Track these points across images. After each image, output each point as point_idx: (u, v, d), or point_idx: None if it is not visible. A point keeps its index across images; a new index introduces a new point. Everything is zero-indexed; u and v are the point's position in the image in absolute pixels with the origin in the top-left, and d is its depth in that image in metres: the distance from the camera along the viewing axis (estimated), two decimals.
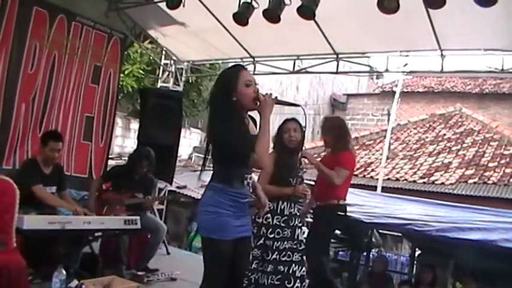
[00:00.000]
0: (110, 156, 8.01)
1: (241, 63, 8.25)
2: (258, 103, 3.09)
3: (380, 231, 9.13)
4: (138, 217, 5.20)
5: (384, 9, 5.13)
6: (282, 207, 4.40)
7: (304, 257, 4.34)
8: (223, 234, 3.08)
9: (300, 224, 4.43)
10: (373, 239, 8.85)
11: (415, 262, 8.49)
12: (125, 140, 13.23)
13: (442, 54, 6.54)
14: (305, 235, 4.46)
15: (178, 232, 11.17)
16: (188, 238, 11.30)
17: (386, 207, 7.47)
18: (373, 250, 9.13)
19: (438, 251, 7.32)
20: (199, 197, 10.40)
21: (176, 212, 11.06)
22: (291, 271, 4.23)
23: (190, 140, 15.33)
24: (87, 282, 4.42)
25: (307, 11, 5.42)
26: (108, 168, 7.26)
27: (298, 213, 4.45)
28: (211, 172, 3.23)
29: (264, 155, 3.06)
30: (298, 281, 4.22)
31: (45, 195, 4.92)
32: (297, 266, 4.25)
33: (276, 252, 4.29)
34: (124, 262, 5.63)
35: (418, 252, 8.50)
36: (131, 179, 5.94)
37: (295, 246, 4.31)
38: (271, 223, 4.36)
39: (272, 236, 4.34)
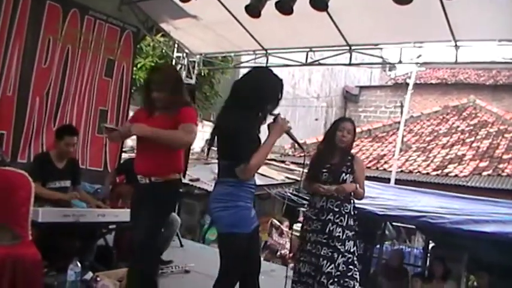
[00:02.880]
0: (123, 150, 8.05)
1: (253, 55, 8.25)
2: (274, 123, 3.22)
3: (393, 223, 9.10)
4: None
5: (398, 0, 5.08)
6: (315, 201, 4.44)
7: (335, 254, 4.22)
8: (244, 228, 3.16)
9: (337, 220, 4.31)
10: (387, 232, 8.83)
11: (428, 255, 8.47)
12: None
13: (456, 45, 6.46)
14: (339, 233, 4.29)
15: (191, 225, 11.20)
16: (201, 231, 11.34)
17: (400, 199, 7.46)
18: (387, 243, 9.11)
19: (452, 243, 7.28)
20: (211, 189, 10.52)
21: (189, 204, 11.07)
22: (319, 264, 4.24)
23: (203, 133, 15.29)
24: (101, 275, 4.46)
25: (320, 3, 5.38)
26: (121, 161, 7.30)
27: (333, 208, 4.35)
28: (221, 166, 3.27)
29: (254, 167, 3.11)
30: (324, 276, 4.18)
31: (43, 192, 4.65)
32: (324, 261, 4.22)
33: (309, 244, 4.37)
34: None
35: (431, 244, 8.46)
36: None
37: (324, 241, 4.28)
38: (307, 215, 4.52)
39: (305, 227, 4.49)
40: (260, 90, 3.21)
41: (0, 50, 5.86)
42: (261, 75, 3.35)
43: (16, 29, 5.95)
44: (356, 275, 4.26)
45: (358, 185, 4.39)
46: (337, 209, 4.36)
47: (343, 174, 4.40)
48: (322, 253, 4.25)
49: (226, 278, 3.19)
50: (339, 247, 4.24)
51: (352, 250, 4.30)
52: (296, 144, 3.54)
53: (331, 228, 4.29)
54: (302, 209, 11.88)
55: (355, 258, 4.31)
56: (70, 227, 4.45)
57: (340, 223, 4.31)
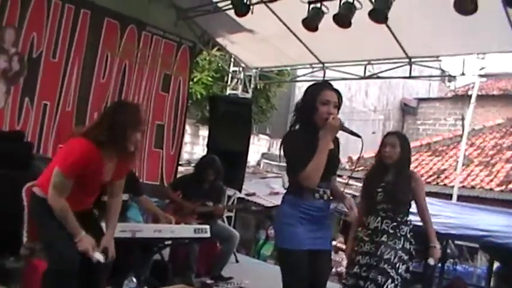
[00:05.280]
0: (179, 163, 8.09)
1: (310, 69, 8.17)
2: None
3: (456, 242, 8.78)
4: (208, 226, 5.17)
5: (463, 11, 4.89)
6: (369, 221, 4.19)
7: (380, 276, 3.92)
8: (296, 244, 3.10)
9: (390, 243, 4.05)
10: (448, 250, 8.52)
11: (492, 275, 8.13)
12: (194, 146, 13.36)
13: None
14: (390, 255, 3.99)
15: (246, 239, 11.14)
16: (257, 246, 11.28)
17: (463, 217, 7.17)
18: (448, 261, 8.80)
19: None
20: (268, 204, 10.48)
21: (245, 218, 11.06)
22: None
23: (259, 147, 15.31)
24: None
25: (379, 15, 5.27)
26: (178, 175, 7.33)
27: (388, 229, 4.09)
28: (282, 181, 3.27)
29: (312, 173, 3.04)
30: None
31: None
32: (372, 284, 3.95)
33: (357, 266, 4.10)
34: (194, 270, 5.64)
35: (496, 265, 8.11)
36: (200, 188, 5.94)
37: (375, 263, 4.00)
38: (358, 236, 4.22)
39: (356, 249, 4.19)
40: (302, 100, 3.28)
41: (60, 65, 5.99)
42: (306, 88, 3.34)
43: (76, 45, 6.11)
44: None
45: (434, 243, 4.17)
46: (392, 231, 4.09)
47: (400, 193, 4.14)
48: (371, 276, 3.98)
49: None
50: (389, 270, 3.95)
51: (404, 275, 4.01)
52: (351, 135, 3.27)
53: (383, 251, 4.02)
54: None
55: (401, 282, 4.01)
56: (126, 242, 4.44)
57: (393, 245, 4.04)
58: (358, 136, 3.28)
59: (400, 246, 4.04)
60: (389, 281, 3.92)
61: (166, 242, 5.18)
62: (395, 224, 4.10)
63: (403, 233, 4.10)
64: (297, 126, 3.25)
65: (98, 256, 3.15)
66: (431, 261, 4.11)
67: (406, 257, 4.05)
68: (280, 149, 3.23)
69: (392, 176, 4.20)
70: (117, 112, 3.28)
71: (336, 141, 3.31)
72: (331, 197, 3.29)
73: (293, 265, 3.12)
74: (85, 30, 6.19)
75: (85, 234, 3.13)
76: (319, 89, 3.22)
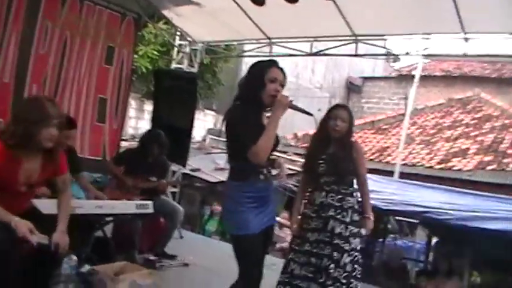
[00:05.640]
0: (123, 138, 7.94)
1: (257, 44, 8.12)
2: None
3: (396, 217, 9.01)
4: (151, 201, 5.10)
5: None
6: (314, 197, 4.09)
7: (336, 253, 3.86)
8: (248, 230, 3.11)
9: (338, 216, 3.95)
10: (389, 226, 8.74)
11: (430, 249, 8.39)
12: (139, 121, 13.16)
13: (465, 38, 6.32)
14: (341, 229, 3.92)
15: (191, 215, 11.10)
16: (202, 222, 11.26)
17: (404, 194, 7.34)
18: (389, 236, 9.03)
19: (456, 239, 7.19)
20: (213, 180, 10.44)
21: (190, 194, 11.01)
22: (323, 265, 3.88)
23: (205, 122, 15.22)
24: (98, 268, 4.34)
25: None
26: (120, 150, 7.18)
27: (333, 203, 3.99)
28: (225, 155, 3.24)
29: (262, 149, 3.01)
30: (329, 279, 3.82)
31: None
32: (329, 262, 3.85)
33: (308, 244, 4.00)
34: (136, 247, 5.54)
35: (434, 240, 8.38)
36: (144, 163, 5.83)
37: (327, 239, 3.92)
38: (305, 213, 4.14)
39: (304, 226, 4.10)
40: (247, 77, 3.24)
41: None
42: (252, 65, 3.30)
43: (14, 14, 5.84)
44: (359, 274, 3.97)
45: (369, 214, 4.10)
46: (338, 204, 3.98)
47: (342, 164, 4.04)
48: (325, 252, 3.90)
49: (241, 281, 3.15)
50: (343, 245, 3.89)
51: (358, 248, 3.96)
52: (302, 112, 3.29)
53: (332, 225, 3.92)
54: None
55: (360, 257, 3.98)
56: None
57: (342, 219, 3.97)
58: (310, 114, 3.29)
59: (349, 219, 3.97)
60: (345, 255, 3.87)
61: (108, 219, 5.08)
62: (340, 196, 4.01)
63: (350, 204, 4.02)
64: (240, 102, 3.20)
65: (39, 239, 3.04)
66: (363, 231, 4.02)
67: (356, 230, 3.98)
68: (223, 124, 3.19)
69: (334, 148, 4.12)
70: (21, 111, 3.22)
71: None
72: (273, 174, 3.28)
73: (247, 250, 3.13)
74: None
75: (19, 219, 3.01)
76: (267, 66, 3.18)
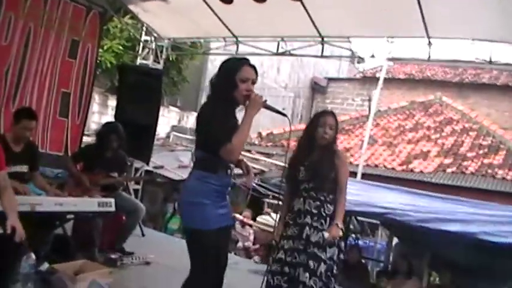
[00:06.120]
0: (86, 133, 7.81)
1: (223, 42, 8.09)
2: (248, 102, 3.09)
3: (358, 218, 9.10)
4: (113, 199, 5.02)
5: None
6: (293, 204, 3.96)
7: (312, 261, 3.72)
8: (207, 225, 3.05)
9: (315, 224, 3.81)
10: (351, 226, 8.81)
11: (391, 250, 8.49)
12: (102, 116, 12.94)
13: (429, 42, 6.43)
14: (319, 238, 3.76)
15: (153, 213, 11.00)
16: (164, 219, 11.16)
17: (366, 194, 7.40)
18: (351, 236, 9.11)
19: (415, 240, 7.28)
20: (176, 178, 10.36)
21: (152, 192, 10.89)
22: (296, 274, 3.76)
23: (169, 119, 15.10)
24: (58, 267, 4.26)
25: None
26: (82, 145, 7.06)
27: (311, 210, 3.85)
28: (191, 154, 3.20)
29: (237, 147, 3.00)
30: (301, 286, 3.70)
31: None
32: (301, 269, 3.74)
33: (281, 252, 3.88)
34: (96, 244, 5.46)
35: (395, 241, 8.47)
36: (103, 158, 5.72)
37: (301, 247, 3.78)
38: (285, 221, 4.00)
39: (281, 233, 3.97)
40: (219, 74, 3.19)
41: None
42: (224, 61, 3.27)
43: None
44: (333, 286, 3.84)
45: (338, 222, 3.82)
46: (316, 211, 3.84)
47: (322, 170, 3.90)
48: (299, 261, 3.76)
49: (194, 277, 3.08)
50: (320, 254, 3.73)
51: (334, 258, 3.81)
52: (276, 113, 3.35)
53: (308, 233, 3.79)
54: (267, 200, 11.81)
55: (335, 267, 3.82)
56: (25, 216, 4.22)
57: (320, 227, 3.79)
58: (284, 115, 3.32)
59: (327, 227, 3.81)
60: (322, 264, 3.73)
61: (68, 216, 4.98)
62: (318, 203, 3.87)
63: (329, 212, 3.87)
64: (213, 101, 3.16)
65: None
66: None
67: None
68: (196, 122, 3.17)
69: (317, 155, 4.00)
70: None
71: None
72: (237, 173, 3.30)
73: (204, 245, 3.06)
74: None
75: None
76: (239, 65, 3.15)
